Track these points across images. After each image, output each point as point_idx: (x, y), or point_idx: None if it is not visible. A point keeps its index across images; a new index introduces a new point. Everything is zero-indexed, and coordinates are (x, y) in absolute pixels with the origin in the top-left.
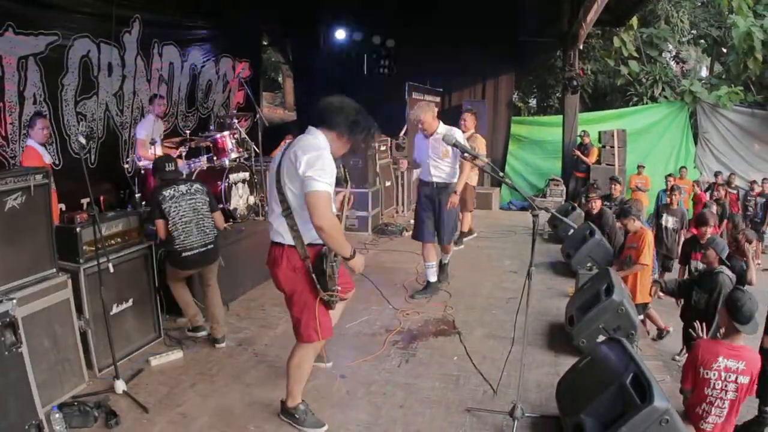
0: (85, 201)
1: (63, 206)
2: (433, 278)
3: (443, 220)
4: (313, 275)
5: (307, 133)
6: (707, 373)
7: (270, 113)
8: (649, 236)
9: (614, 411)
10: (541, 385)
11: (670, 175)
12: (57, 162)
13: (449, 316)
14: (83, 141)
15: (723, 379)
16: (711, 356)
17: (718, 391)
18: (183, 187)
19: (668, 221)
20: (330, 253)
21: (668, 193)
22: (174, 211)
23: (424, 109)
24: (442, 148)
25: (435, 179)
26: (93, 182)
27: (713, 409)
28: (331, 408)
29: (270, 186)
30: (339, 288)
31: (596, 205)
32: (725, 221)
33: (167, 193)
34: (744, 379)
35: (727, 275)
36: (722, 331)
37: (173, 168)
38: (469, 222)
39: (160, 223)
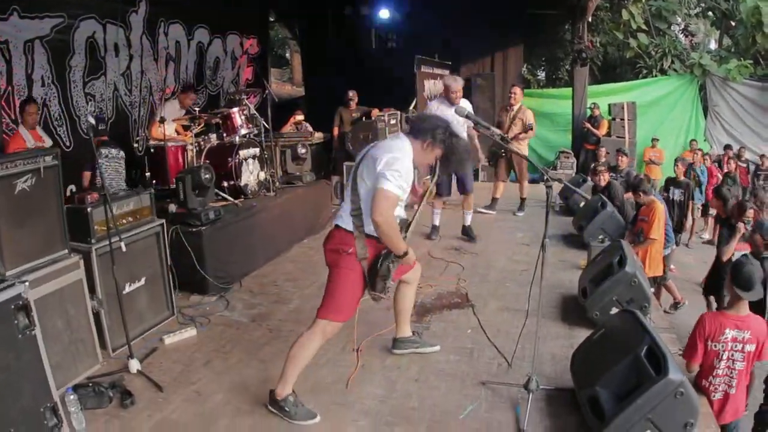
0: (98, 180)
1: (73, 187)
2: (437, 222)
3: (467, 175)
4: (366, 274)
5: (394, 137)
6: (715, 346)
7: (278, 89)
8: (659, 209)
9: (629, 383)
10: (555, 358)
11: (693, 140)
12: (68, 143)
13: (462, 289)
14: (92, 121)
15: (730, 349)
16: (717, 328)
17: (725, 362)
18: (114, 151)
19: (675, 194)
20: (389, 256)
21: (674, 165)
22: (103, 168)
23: (459, 80)
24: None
25: None
26: None
27: (722, 379)
28: (347, 381)
29: (348, 180)
30: (391, 285)
31: (604, 177)
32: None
33: (104, 151)
34: (750, 347)
35: None
36: (727, 299)
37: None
38: (527, 189)
39: (87, 174)
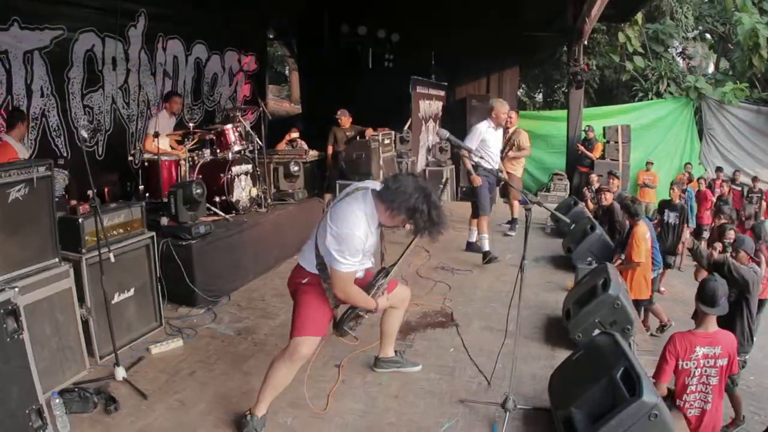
0: (90, 192)
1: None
2: (487, 248)
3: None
4: (335, 320)
5: (356, 198)
6: (686, 364)
7: (276, 106)
8: (638, 232)
9: (604, 404)
10: (536, 378)
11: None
12: (65, 153)
13: (448, 309)
14: (85, 135)
15: (702, 366)
16: (688, 347)
17: (698, 379)
18: None
19: (669, 216)
20: (356, 310)
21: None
22: None
23: (504, 103)
24: (502, 139)
25: (497, 166)
26: (100, 174)
27: (696, 395)
28: (328, 396)
29: (313, 232)
30: (357, 325)
31: (606, 197)
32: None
33: None
34: (723, 362)
35: (754, 272)
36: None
37: None
38: (517, 208)
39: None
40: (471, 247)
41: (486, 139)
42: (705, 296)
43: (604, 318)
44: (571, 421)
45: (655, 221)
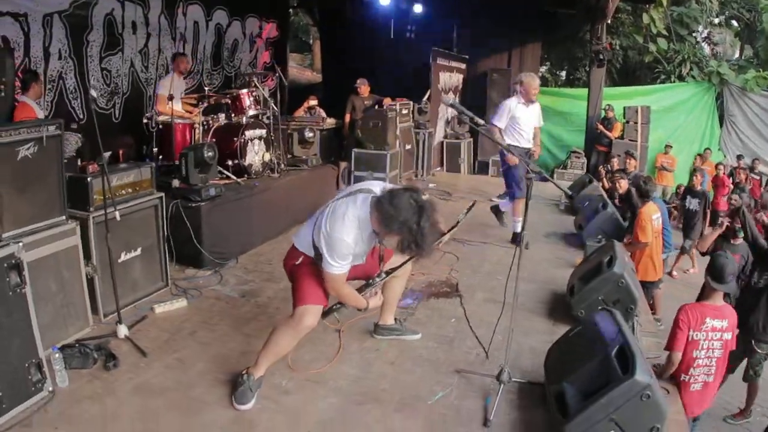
0: (107, 154)
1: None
2: (518, 229)
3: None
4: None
5: (355, 200)
6: (696, 335)
7: (298, 74)
8: (644, 213)
9: (596, 382)
10: (535, 352)
11: (700, 155)
12: (81, 116)
13: (453, 279)
14: (94, 94)
15: (709, 338)
16: (699, 317)
17: (705, 351)
18: None
19: (691, 203)
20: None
21: (692, 175)
22: None
23: (536, 77)
24: (536, 115)
25: (528, 145)
26: (116, 136)
27: (702, 370)
28: (325, 360)
29: (312, 221)
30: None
31: (621, 185)
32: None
33: None
34: (728, 336)
35: None
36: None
37: None
38: None
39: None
40: (514, 238)
41: (517, 116)
42: (715, 271)
43: (608, 296)
44: (563, 396)
45: (672, 204)
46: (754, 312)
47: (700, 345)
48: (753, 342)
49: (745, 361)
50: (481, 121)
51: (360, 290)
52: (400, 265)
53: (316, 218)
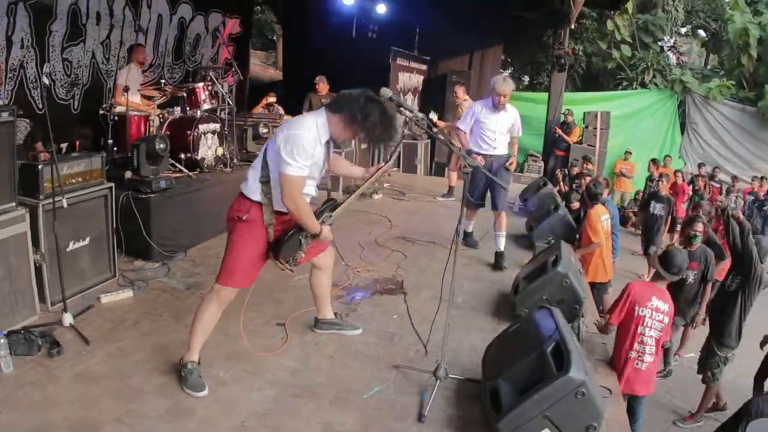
0: (64, 145)
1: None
2: (470, 228)
3: (502, 186)
4: (273, 242)
5: (313, 112)
6: (641, 311)
7: (261, 72)
8: (593, 214)
9: (531, 378)
10: (475, 350)
11: (653, 160)
12: (40, 106)
13: (399, 277)
14: (47, 82)
15: (653, 318)
16: (646, 295)
17: (649, 330)
18: None
19: (656, 208)
20: (302, 231)
21: (657, 180)
22: None
23: (509, 83)
24: (507, 122)
25: (497, 152)
26: (74, 127)
27: (646, 348)
28: (263, 352)
29: (262, 149)
30: (301, 256)
31: (573, 206)
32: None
33: None
34: (666, 320)
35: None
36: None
37: None
38: (454, 178)
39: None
40: (466, 239)
41: (481, 121)
42: (666, 262)
43: (552, 295)
44: (498, 392)
45: (630, 210)
46: (724, 313)
47: (645, 321)
48: (714, 345)
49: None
50: (421, 115)
51: (319, 213)
52: (350, 196)
53: (263, 150)
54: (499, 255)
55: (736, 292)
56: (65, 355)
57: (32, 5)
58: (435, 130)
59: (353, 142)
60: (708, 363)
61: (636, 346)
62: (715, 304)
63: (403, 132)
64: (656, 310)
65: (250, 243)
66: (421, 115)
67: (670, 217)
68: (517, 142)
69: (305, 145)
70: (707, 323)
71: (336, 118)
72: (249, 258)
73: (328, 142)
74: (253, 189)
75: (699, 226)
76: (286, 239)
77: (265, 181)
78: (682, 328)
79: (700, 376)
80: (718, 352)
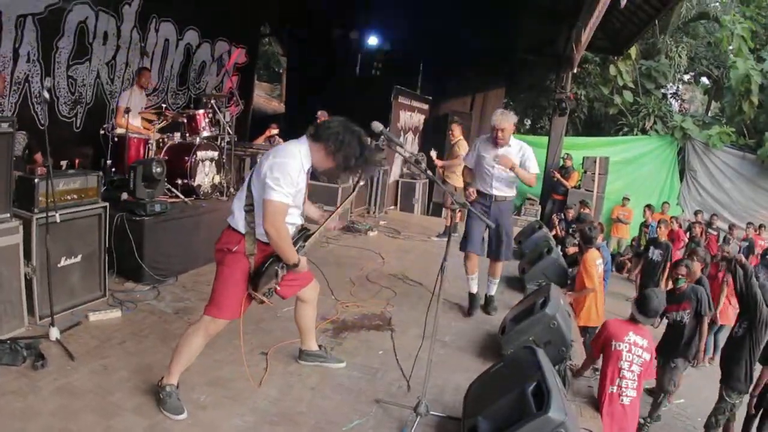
0: (64, 162)
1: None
2: (474, 289)
3: (504, 234)
4: (252, 273)
5: (295, 141)
6: (618, 345)
7: (264, 104)
8: (589, 258)
9: (511, 417)
10: (458, 389)
11: (648, 205)
12: (43, 121)
13: (387, 313)
14: (46, 95)
15: (632, 352)
16: (622, 331)
17: (629, 364)
18: None
19: (654, 254)
20: (279, 262)
21: (656, 226)
22: None
23: (508, 117)
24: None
25: (496, 192)
26: (75, 146)
27: (628, 382)
28: (245, 381)
29: (248, 176)
30: (276, 288)
31: (568, 251)
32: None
33: None
34: (647, 356)
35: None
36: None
37: None
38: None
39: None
40: (472, 302)
41: (483, 156)
42: (643, 306)
43: (539, 336)
44: (476, 430)
45: (627, 257)
46: (732, 359)
47: (623, 356)
48: (723, 389)
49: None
50: (410, 152)
51: (294, 243)
52: (323, 223)
53: (248, 179)
54: (489, 299)
55: (743, 337)
56: (49, 368)
57: (40, 20)
58: (423, 167)
59: (350, 179)
60: (714, 408)
61: (617, 381)
62: (725, 351)
63: (381, 163)
64: (635, 345)
65: (238, 275)
66: (411, 152)
67: (668, 263)
68: (533, 178)
69: (291, 173)
70: (707, 362)
71: (317, 146)
72: (238, 290)
73: (309, 169)
74: (238, 220)
75: (682, 270)
76: (263, 269)
77: (249, 210)
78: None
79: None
80: (727, 398)
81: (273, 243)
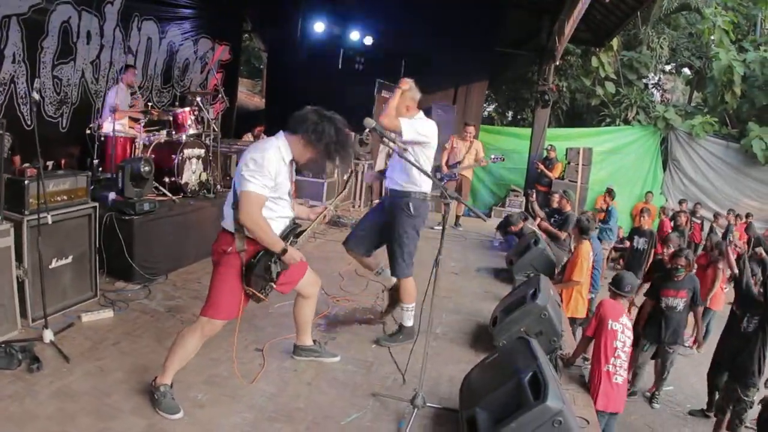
0: (50, 162)
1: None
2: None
3: (395, 242)
4: (244, 268)
5: (268, 138)
6: (614, 325)
7: (246, 100)
8: (581, 252)
9: (509, 407)
10: (453, 380)
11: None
12: (29, 122)
13: (378, 307)
14: (36, 97)
15: (625, 333)
16: (617, 311)
17: (623, 344)
18: None
19: (639, 242)
20: (269, 254)
21: (639, 215)
22: None
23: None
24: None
25: (391, 186)
26: (61, 146)
27: (621, 362)
28: (241, 377)
29: (233, 181)
30: (273, 285)
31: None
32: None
33: None
34: (629, 334)
35: None
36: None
37: None
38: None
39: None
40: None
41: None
42: (618, 283)
43: (530, 327)
44: (474, 420)
45: (611, 246)
46: (742, 355)
47: (618, 336)
48: (739, 390)
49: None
50: (402, 145)
51: (284, 237)
52: (315, 219)
53: (233, 183)
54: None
55: (755, 332)
56: (45, 371)
57: (24, 20)
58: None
59: (335, 172)
60: (734, 412)
61: (612, 360)
62: (729, 346)
63: (358, 153)
64: (626, 327)
65: (233, 274)
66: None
67: (653, 251)
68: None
69: (266, 165)
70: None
71: (294, 138)
72: (233, 290)
73: (291, 162)
74: (228, 219)
75: (681, 260)
76: (254, 263)
77: (237, 208)
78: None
79: (692, 414)
80: (744, 397)
81: (253, 235)
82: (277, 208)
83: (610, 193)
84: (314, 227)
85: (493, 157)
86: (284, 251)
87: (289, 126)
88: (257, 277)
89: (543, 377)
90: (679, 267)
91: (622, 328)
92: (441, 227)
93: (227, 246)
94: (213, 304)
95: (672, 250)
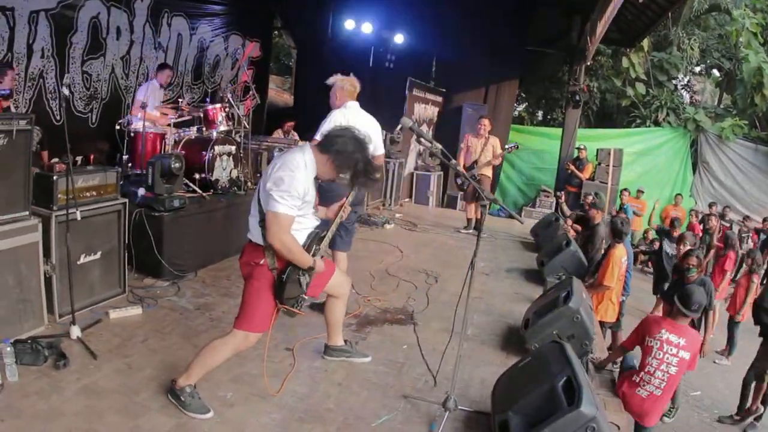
0: (79, 158)
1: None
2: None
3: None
4: (276, 286)
5: (298, 149)
6: (650, 341)
7: (276, 97)
8: (614, 256)
9: (542, 412)
10: (484, 383)
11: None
12: (58, 117)
13: (409, 307)
14: (66, 92)
15: (664, 350)
16: (656, 327)
17: (658, 362)
18: None
19: (668, 246)
20: (297, 269)
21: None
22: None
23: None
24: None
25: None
26: (91, 141)
27: (653, 379)
28: (272, 377)
29: (255, 195)
30: (305, 297)
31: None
32: (711, 251)
33: None
34: (685, 354)
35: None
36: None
37: None
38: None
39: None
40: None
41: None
42: (686, 301)
43: (563, 330)
44: (507, 425)
45: (640, 249)
46: None
47: (653, 352)
48: None
49: None
50: (439, 146)
51: (308, 246)
52: (333, 224)
53: (257, 195)
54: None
55: None
56: (71, 368)
57: (53, 15)
58: (453, 161)
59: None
60: None
61: (642, 374)
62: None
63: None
64: (667, 342)
65: (266, 287)
66: (439, 146)
67: None
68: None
69: (297, 187)
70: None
71: (323, 157)
72: (267, 302)
73: (316, 178)
74: (256, 234)
75: (693, 260)
76: (284, 280)
77: (264, 225)
78: None
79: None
80: None
81: (282, 255)
82: (304, 221)
83: (638, 194)
84: (333, 230)
85: (507, 147)
86: (313, 266)
87: (322, 143)
88: (290, 293)
89: (577, 382)
90: (691, 267)
91: (659, 344)
92: (467, 231)
93: (258, 259)
94: (248, 319)
95: (687, 248)
